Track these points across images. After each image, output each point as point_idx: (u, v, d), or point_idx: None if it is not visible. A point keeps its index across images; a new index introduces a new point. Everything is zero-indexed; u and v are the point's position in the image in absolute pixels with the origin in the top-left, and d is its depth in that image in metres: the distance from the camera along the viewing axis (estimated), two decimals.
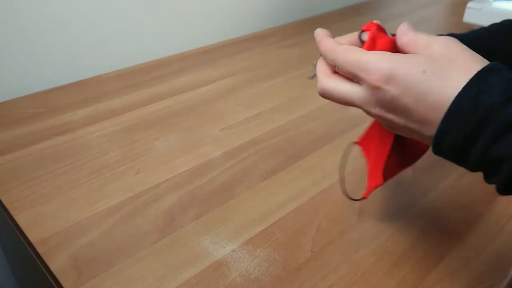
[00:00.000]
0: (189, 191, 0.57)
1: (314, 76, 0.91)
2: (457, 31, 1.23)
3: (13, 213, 0.53)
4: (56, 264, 0.46)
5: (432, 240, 0.49)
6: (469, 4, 1.12)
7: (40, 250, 0.47)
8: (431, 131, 0.30)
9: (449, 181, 0.58)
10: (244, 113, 0.76)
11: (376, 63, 0.31)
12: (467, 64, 0.30)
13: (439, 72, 0.30)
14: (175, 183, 0.58)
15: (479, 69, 0.29)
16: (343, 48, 0.34)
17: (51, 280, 0.46)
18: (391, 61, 0.31)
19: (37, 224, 0.51)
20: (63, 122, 0.73)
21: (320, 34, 0.38)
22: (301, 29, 1.21)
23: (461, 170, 0.60)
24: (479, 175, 0.60)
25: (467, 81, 0.28)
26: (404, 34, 0.34)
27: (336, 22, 1.28)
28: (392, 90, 0.30)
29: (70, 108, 0.78)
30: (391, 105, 0.31)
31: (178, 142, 0.68)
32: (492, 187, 0.54)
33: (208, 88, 0.86)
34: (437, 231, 0.50)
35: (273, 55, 1.03)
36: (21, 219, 0.52)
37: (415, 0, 1.51)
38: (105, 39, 0.92)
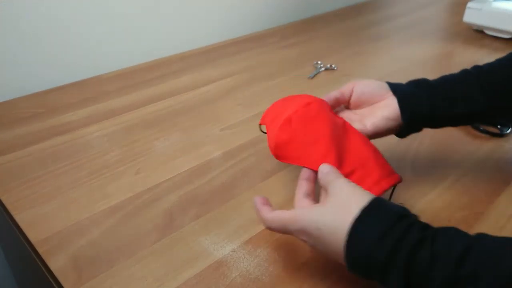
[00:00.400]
0: (189, 191, 0.57)
1: (314, 76, 0.91)
2: (457, 31, 1.23)
3: (13, 213, 0.53)
4: (56, 264, 0.46)
5: None
6: (469, 4, 1.12)
7: (40, 250, 0.47)
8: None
9: (449, 181, 0.58)
10: (244, 113, 0.76)
11: (293, 223, 0.40)
12: (349, 206, 0.37)
13: (328, 225, 0.37)
14: (175, 183, 0.58)
15: (352, 218, 0.36)
16: (271, 215, 0.42)
17: (51, 280, 0.46)
18: (300, 221, 0.39)
19: (37, 224, 0.51)
20: (63, 122, 0.73)
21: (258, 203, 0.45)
22: (301, 29, 1.21)
23: (461, 170, 0.60)
24: (479, 175, 0.60)
25: (347, 230, 0.36)
26: (320, 174, 0.44)
27: (336, 22, 1.28)
28: (308, 240, 0.39)
29: (70, 108, 0.78)
30: (314, 248, 0.40)
31: (178, 142, 0.68)
32: (492, 187, 0.54)
33: (208, 88, 0.86)
34: None
35: (273, 55, 1.03)
36: (21, 219, 0.52)
37: (415, 0, 1.51)
38: (105, 39, 0.92)
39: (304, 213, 0.40)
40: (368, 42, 1.11)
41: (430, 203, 0.55)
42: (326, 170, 0.43)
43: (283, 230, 0.41)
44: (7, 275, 0.90)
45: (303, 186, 0.45)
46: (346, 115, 0.54)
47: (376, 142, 0.67)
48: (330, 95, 0.54)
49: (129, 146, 0.67)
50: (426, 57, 1.01)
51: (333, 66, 0.95)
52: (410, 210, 0.37)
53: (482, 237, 0.34)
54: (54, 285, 0.45)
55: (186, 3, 1.03)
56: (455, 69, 1.00)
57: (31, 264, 0.52)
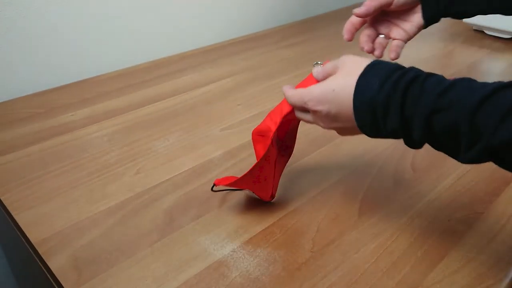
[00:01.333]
0: (189, 191, 0.57)
1: None
2: (457, 31, 1.23)
3: (13, 213, 0.53)
4: (56, 264, 0.46)
5: (432, 240, 0.49)
6: None
7: (40, 250, 0.47)
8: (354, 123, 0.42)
9: (449, 181, 0.58)
10: (244, 113, 0.76)
11: (309, 94, 0.44)
12: (355, 69, 0.41)
13: (341, 85, 0.42)
14: (175, 183, 0.58)
15: (360, 72, 0.41)
16: (291, 92, 0.47)
17: (51, 280, 0.46)
18: (317, 91, 0.44)
19: (37, 224, 0.51)
20: (63, 122, 0.73)
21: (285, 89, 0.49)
22: (300, 29, 1.21)
23: (461, 170, 0.60)
24: (479, 175, 0.60)
25: (355, 83, 0.41)
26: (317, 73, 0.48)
27: (335, 22, 1.28)
28: (323, 108, 0.43)
29: (70, 108, 0.78)
30: (327, 117, 0.44)
31: (178, 142, 0.68)
32: (492, 187, 0.54)
33: (208, 88, 0.86)
34: (437, 231, 0.50)
35: (273, 55, 1.03)
36: (21, 219, 0.52)
37: None
38: (105, 39, 0.92)
39: (319, 84, 0.44)
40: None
41: (430, 203, 0.55)
42: (318, 71, 0.48)
43: (301, 103, 0.45)
44: (7, 275, 0.90)
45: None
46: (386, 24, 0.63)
47: (376, 142, 0.67)
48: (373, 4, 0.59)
49: (129, 146, 0.67)
50: (426, 57, 1.01)
51: None
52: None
53: (466, 78, 0.38)
54: (54, 285, 0.45)
55: (186, 3, 1.03)
56: (455, 69, 1.00)
57: (31, 264, 0.52)
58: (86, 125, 0.72)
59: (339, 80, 0.42)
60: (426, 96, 0.37)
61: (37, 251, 0.48)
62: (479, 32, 1.17)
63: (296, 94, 0.46)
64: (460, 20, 1.18)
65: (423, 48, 1.06)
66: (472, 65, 0.97)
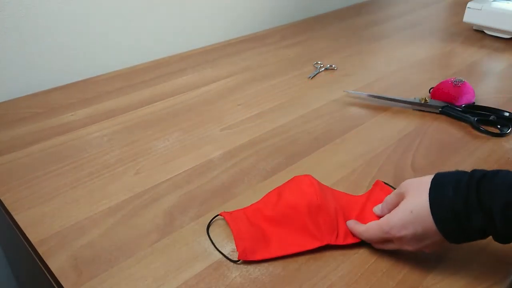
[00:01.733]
0: (189, 191, 0.57)
1: (314, 76, 0.91)
2: (457, 31, 1.23)
3: (13, 213, 0.53)
4: (56, 264, 0.46)
5: None
6: (469, 4, 1.12)
7: (40, 250, 0.47)
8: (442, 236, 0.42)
9: None
10: (244, 113, 0.76)
11: (389, 223, 0.44)
12: (422, 187, 0.43)
13: (416, 205, 0.43)
14: (175, 183, 0.58)
15: (428, 187, 0.43)
16: (364, 227, 0.47)
17: (51, 280, 0.46)
18: (396, 217, 0.44)
19: (37, 224, 0.51)
20: (63, 122, 0.73)
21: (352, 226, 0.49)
22: (301, 29, 1.21)
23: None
24: None
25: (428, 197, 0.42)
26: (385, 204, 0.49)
27: (336, 22, 1.28)
28: (407, 232, 0.43)
29: (70, 108, 0.78)
30: (414, 238, 0.43)
31: (178, 142, 0.68)
32: None
33: (208, 88, 0.86)
34: None
35: (273, 55, 1.03)
36: (21, 219, 0.52)
37: (415, 0, 1.51)
38: (105, 40, 0.92)
39: (395, 211, 0.44)
40: (368, 42, 1.11)
41: None
42: (379, 208, 0.50)
43: (382, 234, 0.45)
44: (7, 275, 0.90)
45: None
46: None
47: (376, 142, 0.67)
48: None
49: (129, 146, 0.67)
50: (426, 57, 1.01)
51: (333, 66, 0.95)
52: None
53: None
54: (54, 285, 0.45)
55: (186, 4, 1.03)
56: (454, 69, 1.00)
57: (31, 264, 0.52)
58: (86, 125, 0.72)
59: (412, 200, 0.43)
60: (498, 191, 0.38)
61: (37, 251, 0.48)
62: (479, 32, 1.17)
63: (374, 226, 0.46)
64: (460, 20, 1.18)
65: (423, 48, 1.06)
66: (472, 65, 0.97)
